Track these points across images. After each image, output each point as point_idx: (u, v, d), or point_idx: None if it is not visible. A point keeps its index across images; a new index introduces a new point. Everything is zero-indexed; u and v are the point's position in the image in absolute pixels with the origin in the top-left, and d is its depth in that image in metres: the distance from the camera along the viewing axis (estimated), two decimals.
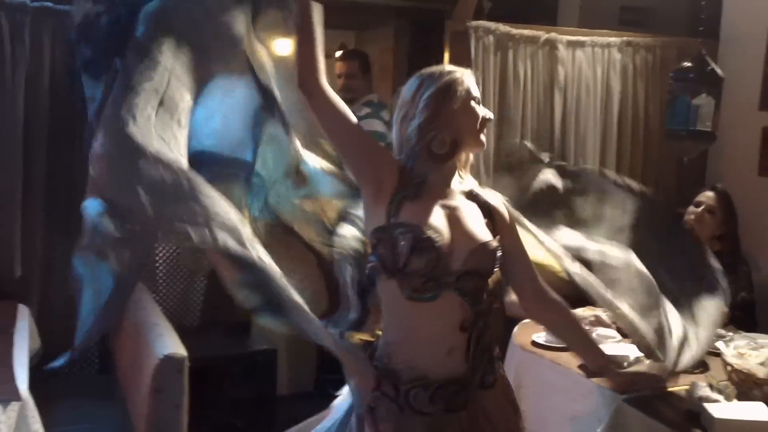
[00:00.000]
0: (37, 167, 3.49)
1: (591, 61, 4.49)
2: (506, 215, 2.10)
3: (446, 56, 4.16)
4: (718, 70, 3.77)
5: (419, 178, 1.96)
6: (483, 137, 2.01)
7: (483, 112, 2.01)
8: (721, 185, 3.88)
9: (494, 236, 1.99)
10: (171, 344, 2.71)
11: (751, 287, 3.73)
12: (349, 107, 2.03)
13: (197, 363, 2.79)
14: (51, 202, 3.53)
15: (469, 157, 2.10)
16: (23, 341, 2.99)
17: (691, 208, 3.77)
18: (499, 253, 1.98)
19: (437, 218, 1.93)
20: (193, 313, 3.91)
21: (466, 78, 1.99)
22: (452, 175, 2.03)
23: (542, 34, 4.36)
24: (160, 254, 3.80)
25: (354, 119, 2.01)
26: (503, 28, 4.24)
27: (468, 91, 1.98)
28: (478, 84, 2.07)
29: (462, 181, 2.06)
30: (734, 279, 3.68)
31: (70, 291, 3.18)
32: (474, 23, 4.18)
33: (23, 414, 2.46)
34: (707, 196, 3.76)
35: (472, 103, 1.98)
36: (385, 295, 1.98)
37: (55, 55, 3.47)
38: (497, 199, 2.11)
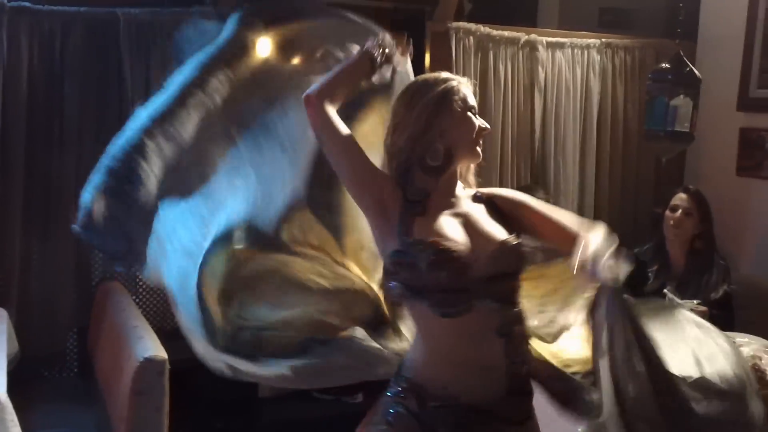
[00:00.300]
0: (15, 169, 3.46)
1: (570, 62, 4.51)
2: (512, 196, 2.01)
3: (427, 57, 4.17)
4: (696, 72, 3.80)
5: (422, 194, 1.89)
6: (479, 149, 1.94)
7: (480, 122, 1.93)
8: (693, 186, 3.93)
9: (511, 231, 1.90)
10: (151, 347, 2.70)
11: (731, 281, 3.78)
12: None
13: (178, 365, 2.77)
14: (29, 204, 3.50)
15: (470, 167, 2.01)
16: (1, 344, 2.96)
17: (669, 213, 3.81)
18: (523, 248, 1.89)
19: (451, 228, 1.86)
20: (174, 316, 3.87)
21: (463, 87, 1.92)
22: (455, 183, 1.95)
23: (522, 36, 4.37)
24: None
25: (355, 145, 1.94)
26: (483, 29, 4.25)
27: (464, 101, 1.90)
28: None
29: (465, 187, 1.99)
30: (713, 275, 3.73)
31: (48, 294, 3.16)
32: (454, 24, 4.19)
33: (1, 417, 2.44)
34: (681, 198, 3.81)
35: (469, 113, 1.91)
36: (416, 317, 1.91)
37: (33, 55, 3.44)
38: (498, 190, 2.04)
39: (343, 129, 1.94)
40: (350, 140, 1.94)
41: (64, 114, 3.49)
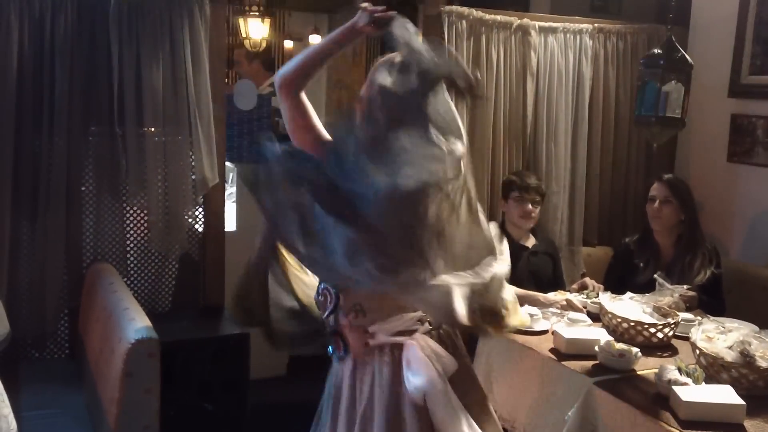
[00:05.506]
0: (4, 150, 3.44)
1: (563, 48, 4.51)
2: None
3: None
4: (688, 57, 3.80)
5: None
6: None
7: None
8: (668, 175, 3.96)
9: None
10: (142, 328, 2.70)
11: (718, 264, 3.79)
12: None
13: (169, 347, 2.78)
14: (19, 184, 3.49)
15: None
16: None
17: (648, 205, 3.85)
18: None
19: None
20: (165, 297, 3.88)
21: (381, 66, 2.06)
22: None
23: (515, 20, 4.36)
24: (131, 237, 3.77)
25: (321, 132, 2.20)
26: (476, 13, 4.24)
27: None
28: None
29: None
30: (698, 259, 3.76)
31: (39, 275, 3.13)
32: (447, 8, 4.18)
33: None
34: (656, 188, 3.86)
35: None
36: None
37: (23, 36, 3.41)
38: None
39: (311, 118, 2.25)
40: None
41: (54, 96, 3.47)
